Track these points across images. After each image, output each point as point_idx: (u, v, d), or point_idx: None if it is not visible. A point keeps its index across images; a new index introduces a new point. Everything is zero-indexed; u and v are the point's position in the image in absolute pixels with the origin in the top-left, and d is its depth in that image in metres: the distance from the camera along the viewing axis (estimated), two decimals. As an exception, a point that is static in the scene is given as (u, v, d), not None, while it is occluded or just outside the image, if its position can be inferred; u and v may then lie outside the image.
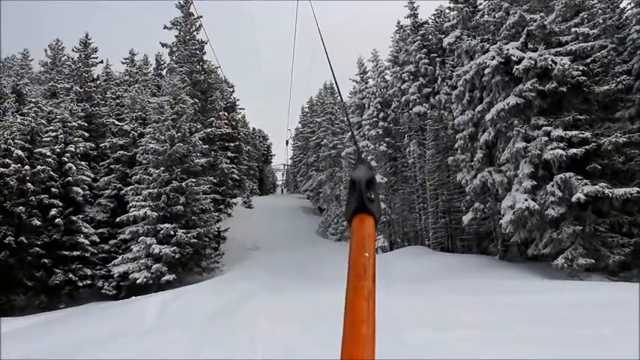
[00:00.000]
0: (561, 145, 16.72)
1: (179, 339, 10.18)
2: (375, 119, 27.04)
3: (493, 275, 16.77)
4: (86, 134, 30.50)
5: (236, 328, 10.98)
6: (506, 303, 10.70)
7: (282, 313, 11.94)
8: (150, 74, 43.38)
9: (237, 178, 39.06)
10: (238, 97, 54.69)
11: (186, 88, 31.29)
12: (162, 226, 25.70)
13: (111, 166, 30.00)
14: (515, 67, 18.06)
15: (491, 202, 20.55)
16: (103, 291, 26.81)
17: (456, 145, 21.57)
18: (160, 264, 25.30)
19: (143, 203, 26.49)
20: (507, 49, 18.65)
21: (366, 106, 28.75)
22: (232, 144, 39.95)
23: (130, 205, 26.66)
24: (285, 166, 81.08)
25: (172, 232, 25.86)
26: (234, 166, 38.84)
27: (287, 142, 67.44)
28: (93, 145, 31.36)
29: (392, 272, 18.35)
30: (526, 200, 16.85)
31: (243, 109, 47.30)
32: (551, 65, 17.32)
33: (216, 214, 28.47)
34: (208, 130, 34.04)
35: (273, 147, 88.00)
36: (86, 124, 32.26)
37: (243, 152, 44.91)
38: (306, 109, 71.78)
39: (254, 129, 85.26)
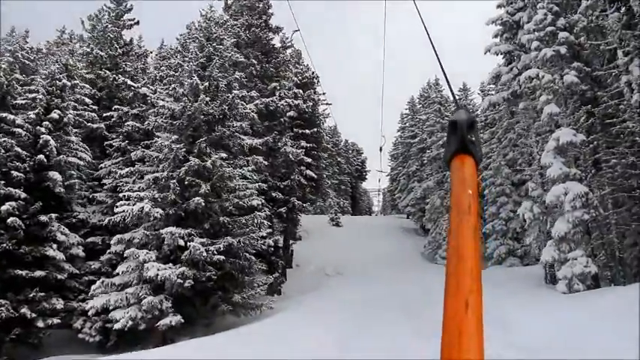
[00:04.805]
0: None
1: None
2: (549, 29, 14.58)
3: None
4: (87, 100, 21.04)
5: None
6: None
7: None
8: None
9: (314, 176, 27.88)
10: (327, 98, 44.32)
11: (228, 24, 20.86)
12: (166, 231, 15.02)
13: (113, 143, 20.15)
14: None
15: None
16: (81, 335, 16.65)
17: None
18: (158, 296, 14.62)
19: (142, 194, 16.09)
20: None
21: (524, 19, 16.31)
22: (308, 130, 28.97)
23: (123, 195, 16.40)
24: (380, 179, 70.80)
25: (183, 242, 15.12)
26: (310, 160, 27.78)
27: (381, 149, 57.14)
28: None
29: None
30: None
31: (330, 104, 36.43)
32: None
33: (263, 214, 17.26)
34: (267, 99, 23.44)
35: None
36: (103, 95, 23.20)
37: (323, 142, 33.76)
38: (406, 112, 60.93)
39: (346, 141, 75.65)
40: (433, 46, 1.27)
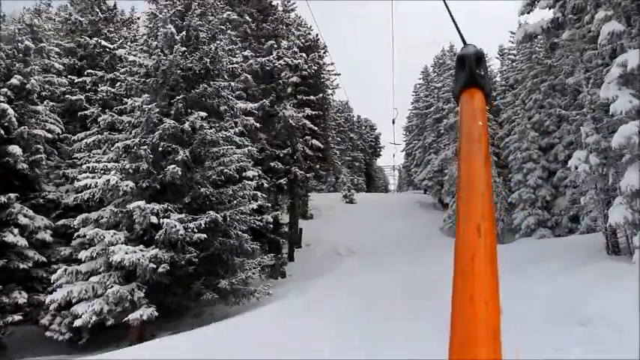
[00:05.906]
0: None
1: None
2: None
3: None
4: (58, 66, 18.51)
5: None
6: None
7: None
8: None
9: (321, 146, 25.10)
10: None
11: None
12: (134, 206, 12.46)
13: (88, 113, 17.65)
14: None
15: None
16: (48, 333, 14.28)
17: None
18: (129, 285, 12.14)
19: (111, 165, 13.55)
20: None
21: None
22: (313, 96, 26.07)
23: (87, 167, 13.85)
24: (394, 155, 67.65)
25: (157, 219, 12.58)
26: (316, 128, 24.93)
27: (393, 121, 53.37)
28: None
29: None
30: None
31: (339, 74, 33.17)
32: None
33: (254, 183, 14.63)
34: (263, 59, 20.70)
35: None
36: (84, 64, 20.61)
37: (330, 111, 30.91)
38: (420, 83, 57.13)
39: (359, 117, 72.57)
40: None
